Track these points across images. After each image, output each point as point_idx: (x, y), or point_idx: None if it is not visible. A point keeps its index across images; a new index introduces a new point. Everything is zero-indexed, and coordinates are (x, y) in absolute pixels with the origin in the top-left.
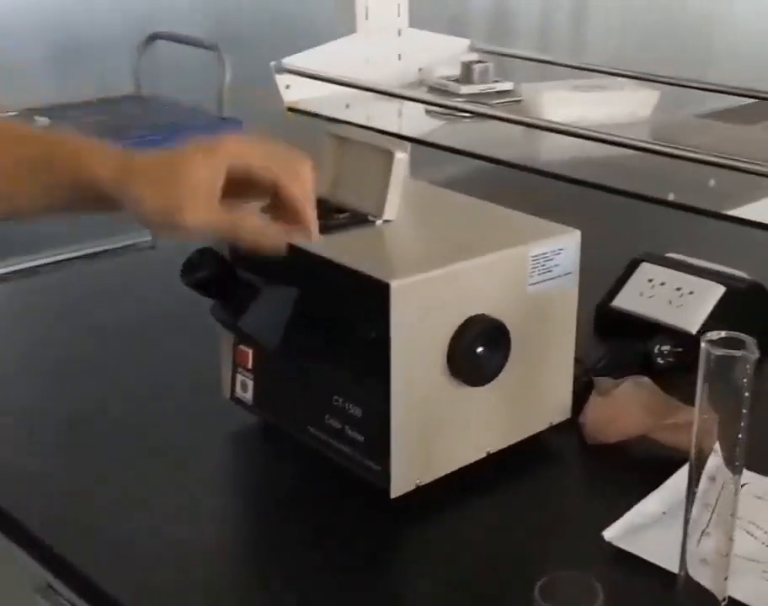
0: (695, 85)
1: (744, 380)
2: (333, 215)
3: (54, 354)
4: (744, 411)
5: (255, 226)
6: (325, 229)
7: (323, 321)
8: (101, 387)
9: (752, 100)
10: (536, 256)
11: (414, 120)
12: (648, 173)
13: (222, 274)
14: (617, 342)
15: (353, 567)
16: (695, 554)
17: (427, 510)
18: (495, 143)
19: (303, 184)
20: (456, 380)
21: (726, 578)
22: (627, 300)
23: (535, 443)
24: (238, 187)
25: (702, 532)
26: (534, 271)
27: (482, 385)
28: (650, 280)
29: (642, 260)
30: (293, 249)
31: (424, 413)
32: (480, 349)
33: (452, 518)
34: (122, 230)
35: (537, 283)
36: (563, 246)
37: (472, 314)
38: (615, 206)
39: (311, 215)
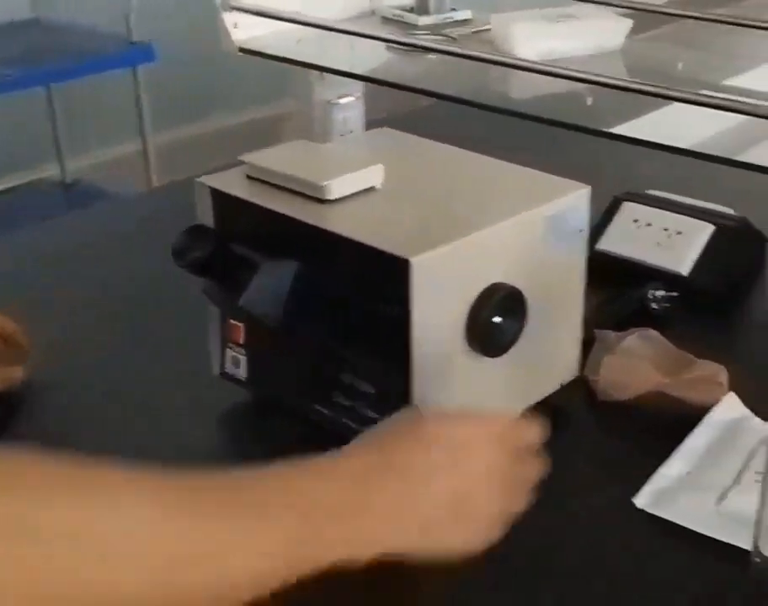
0: (670, 12)
1: None
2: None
3: None
4: None
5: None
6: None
7: (328, 296)
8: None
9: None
10: (549, 217)
11: (369, 55)
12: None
13: (218, 252)
14: (609, 290)
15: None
16: None
17: None
18: (458, 79)
19: None
20: (473, 351)
21: None
22: (612, 242)
23: (545, 405)
24: None
25: None
26: (547, 232)
27: (501, 354)
28: (635, 221)
29: (624, 199)
30: (291, 221)
31: (442, 388)
32: (499, 319)
33: None
34: (28, 165)
35: (550, 243)
36: (575, 203)
37: (490, 282)
38: (571, 144)
39: None
